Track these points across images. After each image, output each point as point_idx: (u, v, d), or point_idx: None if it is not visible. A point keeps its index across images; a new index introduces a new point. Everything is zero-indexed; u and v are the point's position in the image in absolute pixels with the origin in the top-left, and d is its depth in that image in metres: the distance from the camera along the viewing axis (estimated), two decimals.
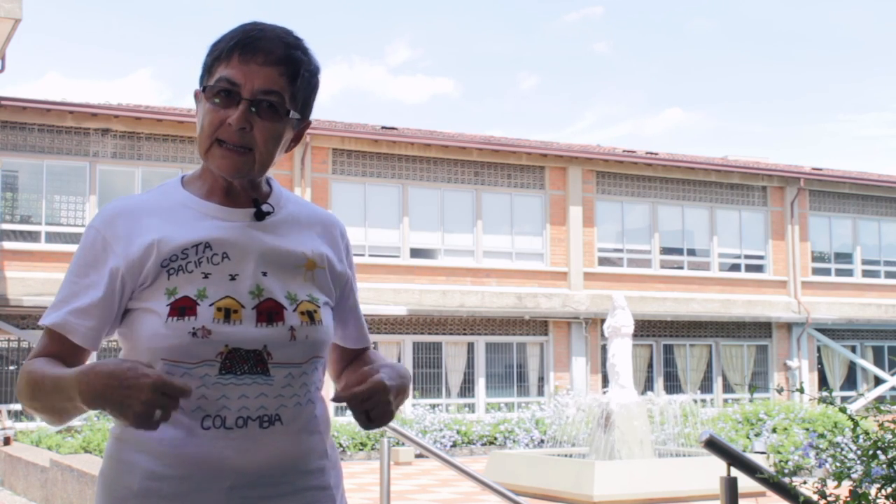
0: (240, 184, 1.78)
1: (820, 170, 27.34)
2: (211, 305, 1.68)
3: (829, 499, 3.14)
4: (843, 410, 3.15)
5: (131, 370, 1.54)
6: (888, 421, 3.18)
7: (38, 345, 1.75)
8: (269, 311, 1.71)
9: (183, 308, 1.67)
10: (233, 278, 1.72)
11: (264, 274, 1.74)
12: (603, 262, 23.93)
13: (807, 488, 3.27)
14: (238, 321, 1.69)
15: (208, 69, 1.76)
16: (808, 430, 14.90)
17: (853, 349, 26.69)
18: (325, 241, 1.86)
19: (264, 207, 1.79)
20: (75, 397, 1.60)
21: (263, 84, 1.71)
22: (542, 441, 18.41)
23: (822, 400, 3.40)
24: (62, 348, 1.72)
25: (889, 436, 3.11)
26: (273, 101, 1.72)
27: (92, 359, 1.75)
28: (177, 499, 1.66)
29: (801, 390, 3.38)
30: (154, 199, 1.79)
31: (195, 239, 1.72)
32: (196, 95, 1.80)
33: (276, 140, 1.75)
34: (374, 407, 1.70)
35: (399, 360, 21.64)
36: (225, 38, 1.76)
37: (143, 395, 1.52)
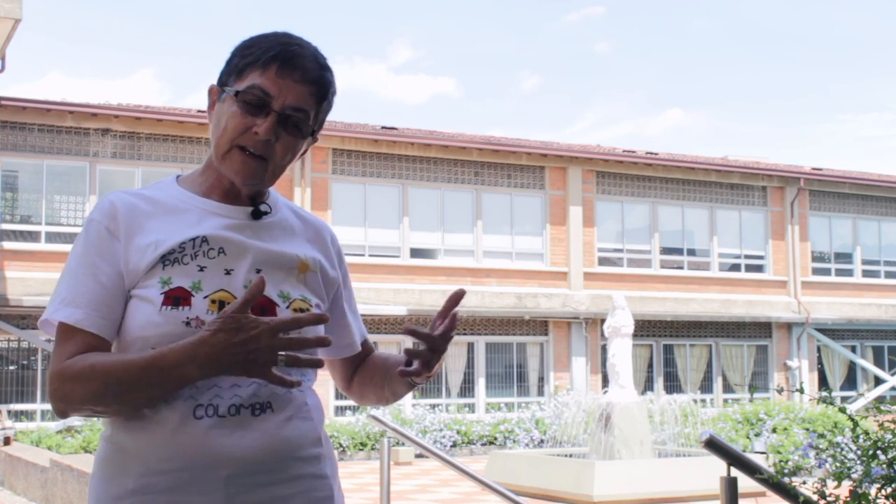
0: (246, 189, 1.80)
1: (820, 170, 27.34)
2: (205, 297, 1.70)
3: (829, 499, 3.14)
4: (842, 410, 3.15)
5: (242, 329, 1.58)
6: (888, 421, 3.18)
7: (63, 347, 1.69)
8: (262, 307, 1.73)
9: (177, 298, 1.69)
10: (228, 273, 1.74)
11: (258, 272, 1.76)
12: (603, 262, 23.93)
13: (807, 488, 3.27)
14: None
15: (239, 71, 1.77)
16: (808, 430, 14.90)
17: (853, 349, 26.69)
18: (317, 248, 1.89)
19: (262, 207, 1.82)
20: (189, 373, 1.61)
21: (295, 101, 1.74)
22: (542, 441, 18.41)
23: (822, 400, 3.39)
24: (94, 344, 1.69)
25: (889, 436, 3.11)
26: (300, 118, 1.76)
27: None
28: (175, 492, 1.66)
29: (801, 390, 3.38)
30: (151, 194, 1.80)
31: (192, 234, 1.74)
32: (212, 91, 1.81)
33: (293, 155, 1.80)
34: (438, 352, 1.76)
35: None
36: (262, 46, 1.76)
37: (262, 345, 1.58)
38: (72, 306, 1.69)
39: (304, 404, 1.78)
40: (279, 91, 1.73)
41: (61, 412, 1.70)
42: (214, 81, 1.83)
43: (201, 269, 1.72)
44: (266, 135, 1.72)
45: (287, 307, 1.76)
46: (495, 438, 19.20)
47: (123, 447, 1.69)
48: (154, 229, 1.73)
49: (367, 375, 1.98)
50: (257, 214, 1.81)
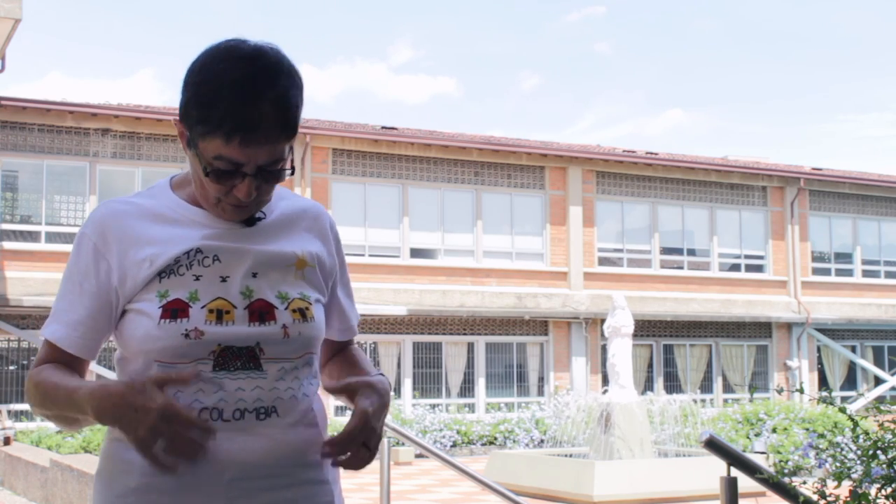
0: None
1: (820, 170, 27.34)
2: (203, 307, 1.70)
3: (829, 499, 3.14)
4: (842, 410, 3.15)
5: (141, 394, 1.57)
6: (888, 421, 3.18)
7: (41, 353, 1.78)
8: (261, 311, 1.73)
9: (175, 310, 1.69)
10: (224, 280, 1.73)
11: (254, 275, 1.75)
12: (603, 262, 23.93)
13: (807, 488, 3.26)
14: (230, 321, 1.70)
15: (201, 134, 1.65)
16: (808, 430, 14.90)
17: (853, 349, 26.69)
18: (316, 235, 1.87)
19: (256, 214, 1.79)
20: (88, 413, 1.64)
21: (267, 158, 1.67)
22: (542, 441, 18.41)
23: (822, 400, 3.39)
24: (63, 356, 1.76)
25: (889, 436, 3.11)
26: (277, 168, 1.69)
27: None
28: (177, 493, 1.67)
29: (801, 390, 3.38)
30: (144, 204, 1.78)
31: (187, 247, 1.73)
32: (178, 128, 1.71)
33: (278, 186, 1.78)
34: (368, 438, 1.74)
35: (399, 360, 21.65)
36: (218, 107, 1.62)
37: (147, 420, 1.55)
38: (56, 323, 1.75)
39: (311, 410, 1.78)
40: (248, 158, 1.65)
41: (33, 411, 1.78)
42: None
43: (197, 278, 1.72)
44: (247, 197, 1.69)
45: (286, 308, 1.75)
46: (495, 438, 19.20)
47: (128, 446, 1.69)
48: (148, 241, 1.73)
49: (334, 369, 1.97)
50: (251, 222, 1.79)
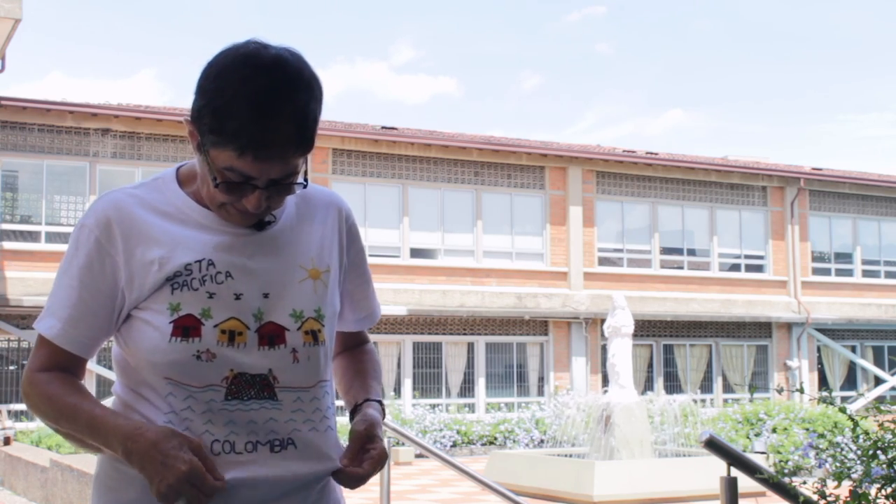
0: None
1: (820, 170, 27.34)
2: (215, 327, 1.64)
3: (829, 499, 3.13)
4: (843, 410, 3.15)
5: (174, 449, 1.54)
6: (888, 421, 3.18)
7: (38, 353, 1.70)
8: (270, 335, 1.67)
9: (187, 328, 1.63)
10: (237, 297, 1.67)
11: (266, 296, 1.69)
12: (603, 262, 23.93)
13: (807, 488, 3.26)
14: (242, 344, 1.65)
15: (213, 142, 1.59)
16: (808, 430, 14.90)
17: (853, 349, 26.69)
18: (329, 229, 1.80)
19: (266, 218, 1.71)
20: (115, 449, 1.59)
21: (280, 173, 1.60)
22: (542, 441, 18.41)
23: (822, 400, 3.39)
24: (65, 358, 1.69)
25: (889, 436, 3.11)
26: (290, 181, 1.63)
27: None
28: None
29: (801, 390, 3.37)
30: (150, 199, 1.70)
31: (198, 256, 1.66)
32: (189, 128, 1.64)
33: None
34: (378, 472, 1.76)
35: (399, 360, 21.64)
36: (232, 118, 1.55)
37: (171, 478, 1.52)
38: (53, 318, 1.68)
39: (331, 444, 1.74)
40: (260, 172, 1.58)
41: (33, 414, 1.74)
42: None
43: (211, 296, 1.65)
44: (256, 209, 1.63)
45: (298, 329, 1.69)
46: (495, 438, 19.20)
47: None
48: (155, 241, 1.66)
49: (342, 367, 1.94)
50: (261, 225, 1.71)
